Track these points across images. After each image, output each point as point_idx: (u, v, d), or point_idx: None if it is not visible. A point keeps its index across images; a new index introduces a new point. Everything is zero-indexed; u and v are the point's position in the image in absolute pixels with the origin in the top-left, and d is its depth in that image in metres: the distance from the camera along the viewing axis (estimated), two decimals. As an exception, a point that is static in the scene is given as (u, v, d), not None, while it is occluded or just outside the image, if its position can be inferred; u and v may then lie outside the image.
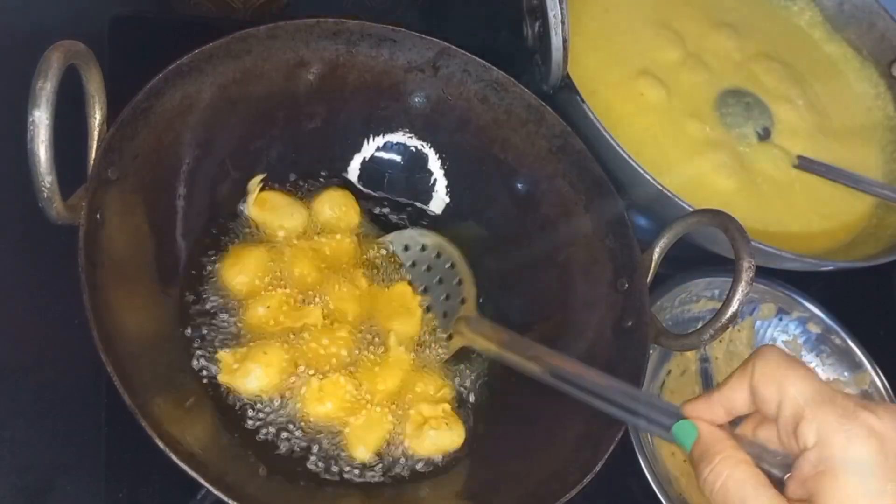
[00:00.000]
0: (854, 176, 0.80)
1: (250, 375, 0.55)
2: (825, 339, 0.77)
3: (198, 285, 0.59)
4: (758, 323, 0.77)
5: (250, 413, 0.55)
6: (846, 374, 0.76)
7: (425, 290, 0.64)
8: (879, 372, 0.75)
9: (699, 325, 0.55)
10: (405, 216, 0.68)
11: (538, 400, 0.60)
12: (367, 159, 0.68)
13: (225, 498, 0.45)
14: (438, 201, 0.69)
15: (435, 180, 0.69)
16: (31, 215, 0.47)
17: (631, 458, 0.62)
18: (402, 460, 0.57)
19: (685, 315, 0.74)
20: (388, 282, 0.64)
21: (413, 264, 0.65)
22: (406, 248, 0.65)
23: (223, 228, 0.62)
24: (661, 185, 0.65)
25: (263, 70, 0.60)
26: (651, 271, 0.59)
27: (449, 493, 0.56)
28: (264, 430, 0.55)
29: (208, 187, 0.60)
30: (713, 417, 0.44)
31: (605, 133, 0.66)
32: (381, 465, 0.56)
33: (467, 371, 0.62)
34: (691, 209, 0.63)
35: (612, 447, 0.51)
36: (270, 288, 0.59)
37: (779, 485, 0.41)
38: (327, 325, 0.59)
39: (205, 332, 0.57)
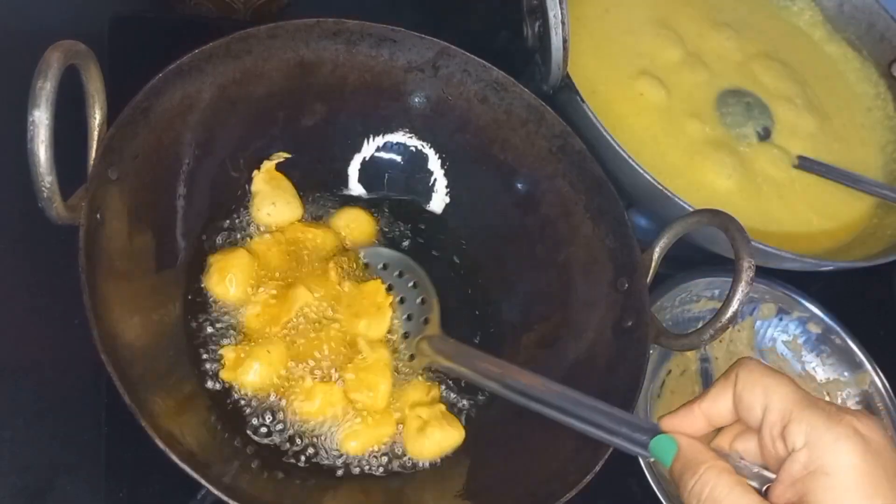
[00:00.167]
0: (854, 176, 0.80)
1: (252, 372, 0.55)
2: (825, 339, 0.77)
3: (198, 285, 0.59)
4: (758, 323, 0.77)
5: (250, 413, 0.55)
6: (846, 374, 0.76)
7: None
8: (879, 372, 0.75)
9: (699, 325, 0.55)
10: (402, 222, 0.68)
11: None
12: (367, 159, 0.68)
13: (225, 498, 0.45)
14: (438, 201, 0.69)
15: (435, 180, 0.69)
16: (31, 215, 0.47)
17: (631, 458, 0.61)
18: (404, 458, 0.57)
19: (685, 315, 0.74)
20: (359, 281, 0.62)
21: None
22: (366, 265, 0.64)
23: (225, 228, 0.62)
24: (661, 185, 0.65)
25: (263, 70, 0.60)
26: (651, 271, 0.59)
27: (448, 492, 0.56)
28: (264, 430, 0.55)
29: (208, 187, 0.60)
30: (694, 429, 0.45)
31: (605, 133, 0.66)
32: (380, 463, 0.56)
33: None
34: (691, 209, 0.63)
35: (612, 447, 0.51)
36: (258, 290, 0.59)
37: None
38: (319, 322, 0.59)
39: (205, 331, 0.57)
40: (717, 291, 0.74)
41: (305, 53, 0.62)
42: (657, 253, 0.59)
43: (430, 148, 0.68)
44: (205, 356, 0.56)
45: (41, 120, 0.43)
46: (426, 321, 0.60)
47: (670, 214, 0.62)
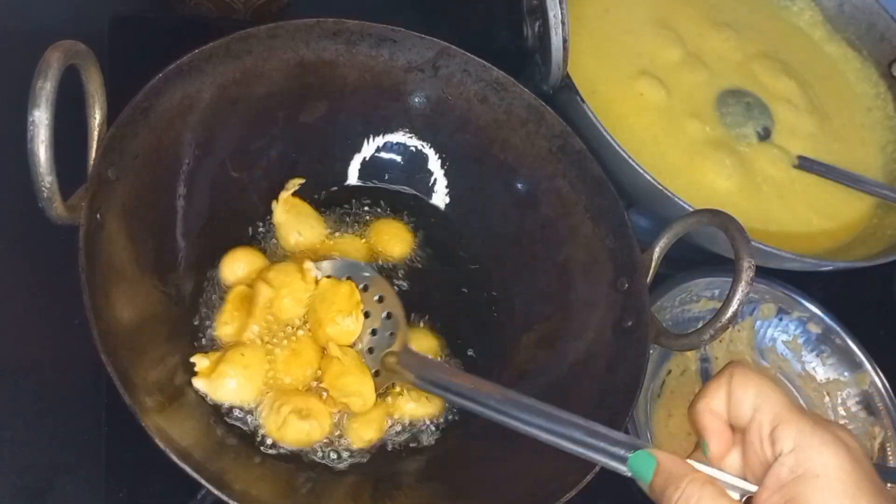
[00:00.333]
0: (854, 176, 0.80)
1: (225, 381, 0.53)
2: (825, 339, 0.77)
3: (199, 285, 0.59)
4: (758, 323, 0.77)
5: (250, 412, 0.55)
6: (846, 374, 0.76)
7: None
8: (879, 372, 0.75)
9: (699, 325, 0.55)
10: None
11: (538, 398, 0.60)
12: (367, 159, 0.68)
13: (225, 498, 0.45)
14: (438, 201, 0.69)
15: (435, 180, 0.69)
16: (31, 215, 0.47)
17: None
18: (403, 454, 0.57)
19: (685, 315, 0.74)
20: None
21: None
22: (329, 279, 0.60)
23: (224, 228, 0.62)
24: (661, 185, 0.65)
25: (263, 70, 0.60)
26: (651, 271, 0.59)
27: (448, 492, 0.56)
28: (263, 430, 0.55)
29: (208, 187, 0.60)
30: (716, 427, 0.45)
31: (605, 133, 0.66)
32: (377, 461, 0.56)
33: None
34: (691, 209, 0.63)
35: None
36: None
37: None
38: (291, 326, 0.58)
39: (206, 332, 0.57)
40: (717, 291, 0.74)
41: (305, 53, 0.62)
42: (657, 253, 0.59)
43: (430, 148, 0.68)
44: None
45: (41, 120, 0.43)
46: (392, 335, 0.58)
47: (670, 214, 0.62)
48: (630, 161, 0.65)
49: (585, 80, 0.73)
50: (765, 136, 0.79)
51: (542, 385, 0.61)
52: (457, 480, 0.56)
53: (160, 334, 0.54)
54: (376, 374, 0.57)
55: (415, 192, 0.69)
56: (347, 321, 0.57)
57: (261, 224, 0.63)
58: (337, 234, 0.65)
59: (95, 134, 0.50)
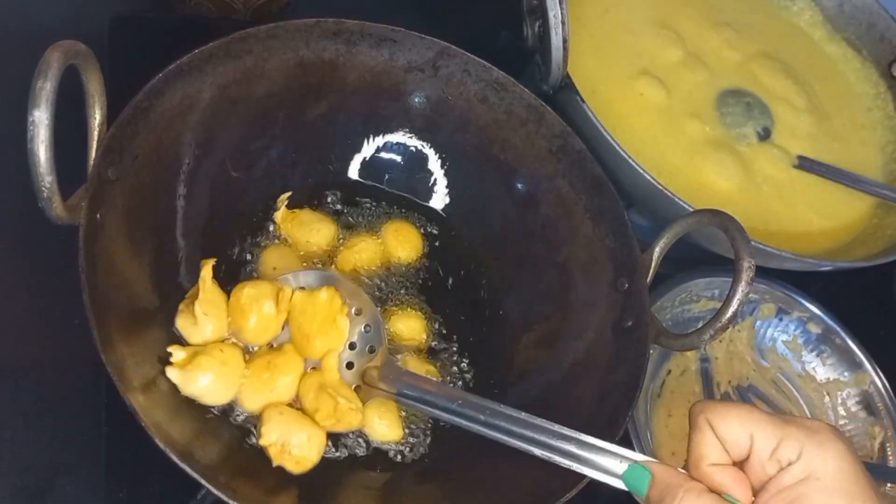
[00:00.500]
0: (854, 176, 0.80)
1: (200, 374, 0.51)
2: (825, 339, 0.77)
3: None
4: (758, 323, 0.77)
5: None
6: (846, 374, 0.76)
7: None
8: (879, 372, 0.75)
9: (699, 325, 0.55)
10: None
11: (538, 398, 0.60)
12: (367, 159, 0.68)
13: (225, 497, 0.45)
14: (438, 201, 0.69)
15: (435, 180, 0.69)
16: (31, 215, 0.47)
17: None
18: (403, 456, 0.57)
19: (685, 315, 0.74)
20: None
21: None
22: (302, 290, 0.57)
23: (224, 228, 0.62)
24: (661, 185, 0.65)
25: (263, 70, 0.60)
26: (651, 271, 0.59)
27: (448, 492, 0.56)
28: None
29: (208, 187, 0.60)
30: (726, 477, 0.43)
31: (605, 133, 0.66)
32: (377, 462, 0.56)
33: (455, 370, 0.62)
34: (691, 209, 0.63)
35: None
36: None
37: None
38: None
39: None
40: (717, 291, 0.74)
41: (305, 53, 0.62)
42: (657, 253, 0.59)
43: (430, 148, 0.68)
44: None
45: (41, 120, 0.43)
46: (372, 350, 0.56)
47: (670, 214, 0.62)
48: (630, 161, 0.65)
49: (585, 80, 0.73)
50: (765, 136, 0.79)
51: (541, 385, 0.61)
52: (456, 481, 0.56)
53: (160, 334, 0.54)
54: (356, 390, 0.56)
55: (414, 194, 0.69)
56: (332, 334, 0.55)
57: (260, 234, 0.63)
58: (342, 237, 0.65)
59: (95, 134, 0.50)
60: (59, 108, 0.44)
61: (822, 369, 0.77)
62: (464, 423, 0.50)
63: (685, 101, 0.78)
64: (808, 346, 0.77)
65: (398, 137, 0.68)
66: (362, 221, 0.66)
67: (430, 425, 0.58)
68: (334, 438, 0.55)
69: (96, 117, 0.50)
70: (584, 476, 0.48)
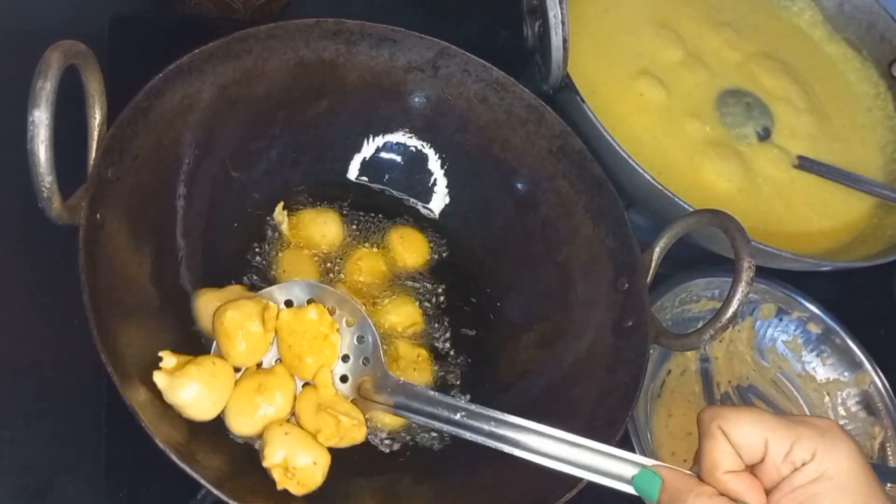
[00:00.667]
0: (854, 176, 0.80)
1: (187, 383, 0.49)
2: (825, 339, 0.77)
3: (199, 285, 0.59)
4: (758, 323, 0.77)
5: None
6: (846, 374, 0.76)
7: None
8: (879, 372, 0.75)
9: (699, 325, 0.55)
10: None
11: (538, 398, 0.60)
12: (367, 159, 0.68)
13: (224, 498, 0.45)
14: (438, 201, 0.69)
15: (435, 180, 0.69)
16: (31, 215, 0.47)
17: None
18: (404, 455, 0.57)
19: (685, 315, 0.74)
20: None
21: None
22: (289, 303, 0.55)
23: (224, 228, 0.62)
24: (661, 185, 0.65)
25: (263, 70, 0.60)
26: (651, 271, 0.59)
27: (448, 492, 0.55)
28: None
29: (208, 187, 0.60)
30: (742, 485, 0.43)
31: (605, 133, 0.66)
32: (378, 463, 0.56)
33: (455, 370, 0.62)
34: (691, 209, 0.63)
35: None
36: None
37: None
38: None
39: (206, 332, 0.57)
40: (717, 291, 0.74)
41: (305, 53, 0.62)
42: (657, 253, 0.59)
43: (430, 148, 0.68)
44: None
45: (41, 120, 0.43)
46: (366, 361, 0.54)
47: (670, 214, 0.62)
48: (630, 161, 0.65)
49: (585, 80, 0.73)
50: (765, 136, 0.79)
51: (541, 385, 0.61)
52: (457, 480, 0.56)
53: (160, 335, 0.54)
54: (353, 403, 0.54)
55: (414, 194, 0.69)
56: (325, 352, 0.53)
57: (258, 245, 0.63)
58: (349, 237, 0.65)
59: (95, 134, 0.50)
60: (59, 108, 0.44)
61: (822, 369, 0.77)
62: (468, 434, 0.48)
63: (685, 101, 0.78)
64: (808, 346, 0.77)
65: (398, 137, 0.68)
66: (366, 227, 0.67)
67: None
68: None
69: (96, 117, 0.50)
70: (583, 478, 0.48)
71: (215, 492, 0.44)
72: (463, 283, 0.66)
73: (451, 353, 0.63)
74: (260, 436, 0.52)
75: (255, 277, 0.61)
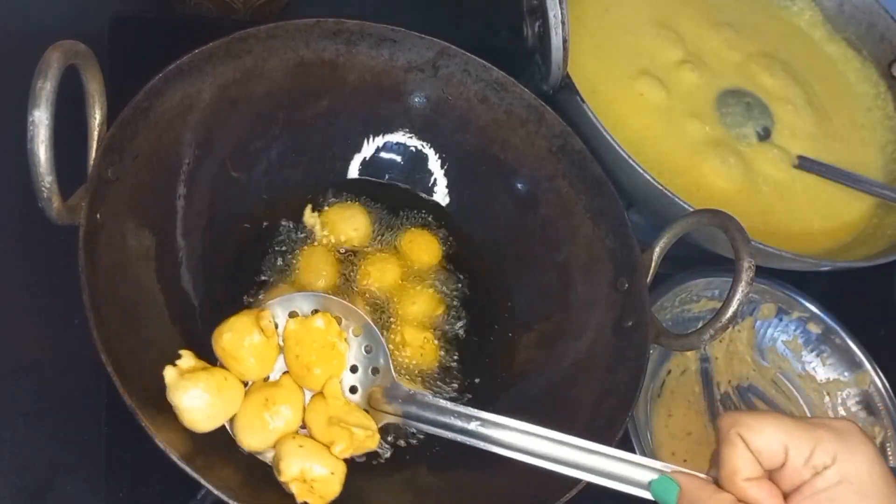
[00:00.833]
0: (854, 176, 0.80)
1: (191, 388, 0.48)
2: (825, 339, 0.77)
3: (199, 285, 0.59)
4: (758, 323, 0.77)
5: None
6: (846, 374, 0.76)
7: None
8: (879, 372, 0.75)
9: (699, 325, 0.55)
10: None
11: (538, 398, 0.60)
12: (367, 159, 0.68)
13: (225, 498, 0.45)
14: (438, 201, 0.69)
15: (435, 180, 0.69)
16: (31, 215, 0.47)
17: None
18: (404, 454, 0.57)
19: (685, 315, 0.74)
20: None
21: None
22: (293, 315, 0.54)
23: (224, 228, 0.62)
24: (661, 185, 0.65)
25: (263, 70, 0.60)
26: (651, 271, 0.59)
27: (449, 492, 0.55)
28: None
29: (208, 187, 0.60)
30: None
31: (605, 133, 0.66)
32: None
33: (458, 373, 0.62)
34: (691, 209, 0.63)
35: (611, 446, 0.50)
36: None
37: None
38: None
39: (205, 332, 0.57)
40: (717, 291, 0.74)
41: (305, 53, 0.62)
42: (657, 253, 0.59)
43: (430, 148, 0.68)
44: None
45: (41, 120, 0.43)
46: (374, 370, 0.53)
47: (670, 214, 0.62)
48: (630, 161, 0.65)
49: (585, 80, 0.73)
50: (765, 136, 0.79)
51: (541, 385, 0.61)
52: (458, 480, 0.56)
53: (160, 334, 0.54)
54: None
55: (415, 192, 0.69)
56: (333, 361, 0.52)
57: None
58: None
59: (95, 134, 0.50)
60: (59, 108, 0.44)
61: (822, 369, 0.77)
62: (481, 444, 0.47)
63: (685, 101, 0.78)
64: (808, 346, 0.77)
65: (398, 137, 0.68)
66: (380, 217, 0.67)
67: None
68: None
69: (96, 117, 0.50)
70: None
71: (215, 492, 0.44)
72: (462, 283, 0.66)
73: (450, 353, 0.63)
74: (271, 449, 0.51)
75: (259, 279, 0.61)
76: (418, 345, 0.61)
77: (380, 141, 0.68)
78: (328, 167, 0.67)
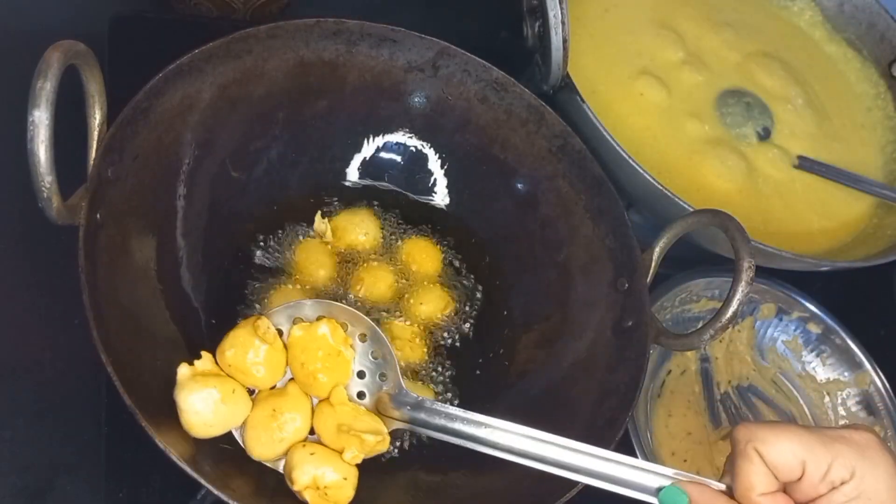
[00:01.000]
0: (854, 176, 0.80)
1: (201, 390, 0.48)
2: (825, 339, 0.77)
3: (199, 285, 0.59)
4: (758, 323, 0.77)
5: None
6: (846, 374, 0.76)
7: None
8: (879, 372, 0.75)
9: (699, 325, 0.55)
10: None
11: (538, 398, 0.60)
12: (367, 159, 0.68)
13: (225, 498, 0.45)
14: (438, 201, 0.69)
15: (435, 180, 0.69)
16: (31, 215, 0.47)
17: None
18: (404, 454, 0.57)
19: (685, 315, 0.74)
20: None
21: None
22: (297, 321, 0.53)
23: (224, 228, 0.62)
24: (661, 185, 0.65)
25: (263, 70, 0.60)
26: (651, 271, 0.59)
27: (448, 491, 0.55)
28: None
29: (208, 187, 0.60)
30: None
31: (605, 133, 0.66)
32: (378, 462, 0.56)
33: (450, 373, 0.62)
34: (691, 209, 0.63)
35: (611, 447, 0.51)
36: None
37: None
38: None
39: (205, 332, 0.57)
40: (717, 291, 0.74)
41: (305, 53, 0.62)
42: (657, 253, 0.59)
43: (430, 148, 0.68)
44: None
45: (41, 120, 0.43)
46: (382, 376, 0.53)
47: (670, 214, 0.62)
48: (630, 161, 0.65)
49: (585, 80, 0.73)
50: (765, 136, 0.79)
51: (541, 385, 0.61)
52: (458, 479, 0.56)
53: (160, 334, 0.54)
54: None
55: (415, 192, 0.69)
56: (339, 368, 0.52)
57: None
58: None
59: (95, 134, 0.50)
60: (59, 108, 0.43)
61: (822, 369, 0.77)
62: (492, 451, 0.47)
63: (685, 101, 0.78)
64: (808, 346, 0.77)
65: (398, 137, 0.68)
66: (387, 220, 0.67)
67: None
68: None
69: (96, 117, 0.50)
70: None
71: (215, 492, 0.44)
72: (462, 283, 0.66)
73: (452, 353, 0.63)
74: (282, 458, 0.51)
75: (259, 278, 0.61)
76: (406, 338, 0.61)
77: (380, 141, 0.68)
78: (328, 167, 0.67)
